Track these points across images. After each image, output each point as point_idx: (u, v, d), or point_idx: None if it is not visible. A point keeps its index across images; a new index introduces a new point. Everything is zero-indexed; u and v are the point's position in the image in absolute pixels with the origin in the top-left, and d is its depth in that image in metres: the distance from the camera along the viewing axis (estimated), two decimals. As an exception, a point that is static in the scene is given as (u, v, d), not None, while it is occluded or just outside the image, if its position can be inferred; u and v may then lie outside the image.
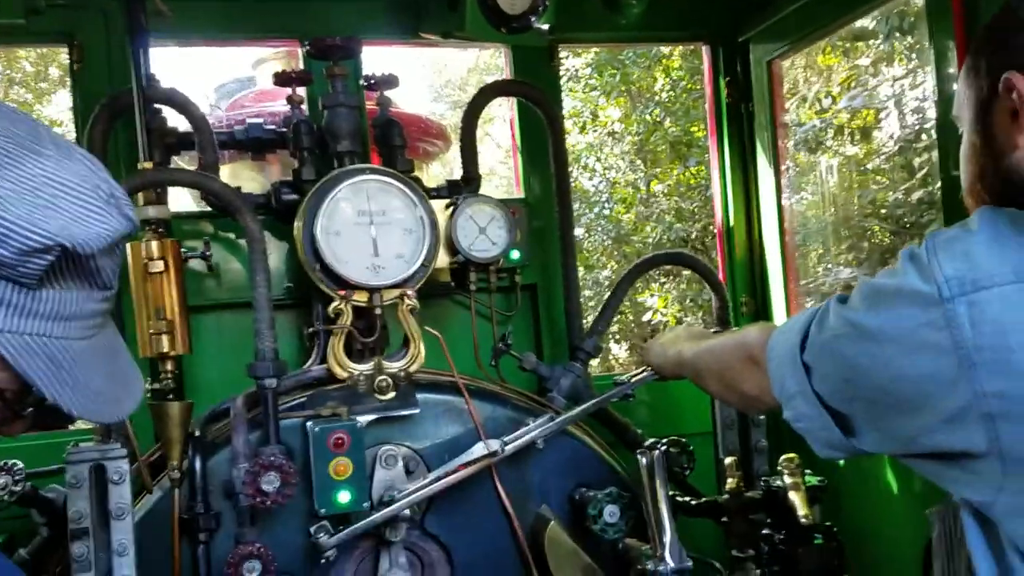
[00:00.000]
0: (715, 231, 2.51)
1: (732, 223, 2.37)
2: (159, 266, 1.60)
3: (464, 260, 1.85)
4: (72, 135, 1.91)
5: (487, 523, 1.73)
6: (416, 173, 1.89)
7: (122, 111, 1.78)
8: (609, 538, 1.65)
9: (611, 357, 7.91)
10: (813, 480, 1.73)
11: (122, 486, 1.42)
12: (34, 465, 1.73)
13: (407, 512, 1.62)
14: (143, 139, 1.65)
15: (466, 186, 1.96)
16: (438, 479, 1.63)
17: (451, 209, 1.85)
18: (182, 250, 1.71)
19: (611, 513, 1.64)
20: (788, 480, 1.63)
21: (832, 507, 1.92)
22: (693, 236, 7.45)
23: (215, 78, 3.77)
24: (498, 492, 1.73)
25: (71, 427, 2.38)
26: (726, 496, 1.77)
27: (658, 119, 7.84)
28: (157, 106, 1.78)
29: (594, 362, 3.02)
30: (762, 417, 1.91)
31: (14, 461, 1.72)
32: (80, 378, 0.80)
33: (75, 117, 1.93)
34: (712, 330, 1.83)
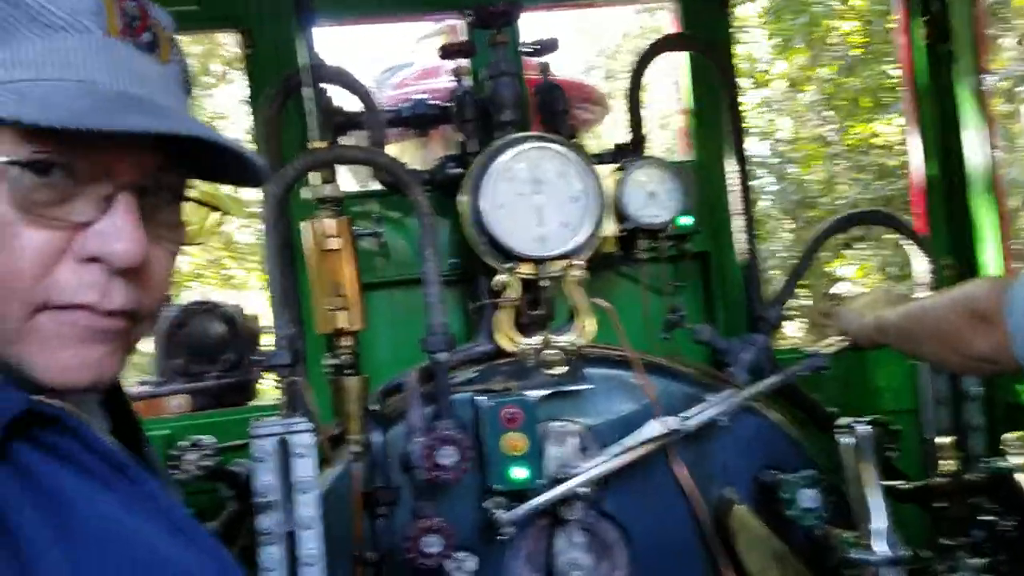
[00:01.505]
0: (911, 190, 2.28)
1: (932, 179, 2.14)
2: (335, 243, 1.62)
3: (632, 227, 1.76)
4: (246, 120, 1.96)
5: (666, 504, 1.65)
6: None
7: (291, 93, 1.81)
8: (806, 525, 1.52)
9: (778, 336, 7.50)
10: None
11: (306, 460, 1.43)
12: (222, 441, 1.82)
13: (583, 491, 1.57)
14: (314, 119, 1.67)
15: (632, 149, 1.86)
16: (615, 457, 1.56)
17: (618, 174, 1.76)
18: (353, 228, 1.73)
19: (809, 498, 1.50)
20: (1017, 460, 1.44)
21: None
22: (891, 196, 6.86)
23: (374, 66, 3.86)
24: (677, 472, 1.64)
25: (251, 403, 2.53)
26: (942, 479, 1.59)
27: (844, 66, 7.29)
28: (324, 87, 1.81)
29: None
30: (980, 389, 1.71)
31: (203, 437, 1.80)
32: (52, 100, 0.71)
33: (248, 101, 1.99)
34: (916, 295, 1.64)
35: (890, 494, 1.64)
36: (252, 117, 1.96)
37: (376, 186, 2.03)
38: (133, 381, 2.59)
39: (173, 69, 0.84)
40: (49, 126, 0.68)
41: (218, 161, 0.82)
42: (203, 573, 0.79)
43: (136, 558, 0.73)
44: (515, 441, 1.53)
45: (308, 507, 1.45)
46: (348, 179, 2.52)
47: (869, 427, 1.35)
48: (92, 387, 0.79)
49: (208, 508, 1.80)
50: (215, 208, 0.88)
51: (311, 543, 1.45)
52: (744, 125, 1.98)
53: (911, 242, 1.85)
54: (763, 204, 7.74)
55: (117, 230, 0.74)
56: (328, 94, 1.83)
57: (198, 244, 0.88)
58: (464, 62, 1.84)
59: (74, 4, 0.75)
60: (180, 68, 0.86)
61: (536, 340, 1.68)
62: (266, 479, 1.45)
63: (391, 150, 2.16)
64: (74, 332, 0.75)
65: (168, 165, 0.80)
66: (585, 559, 1.62)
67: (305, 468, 1.46)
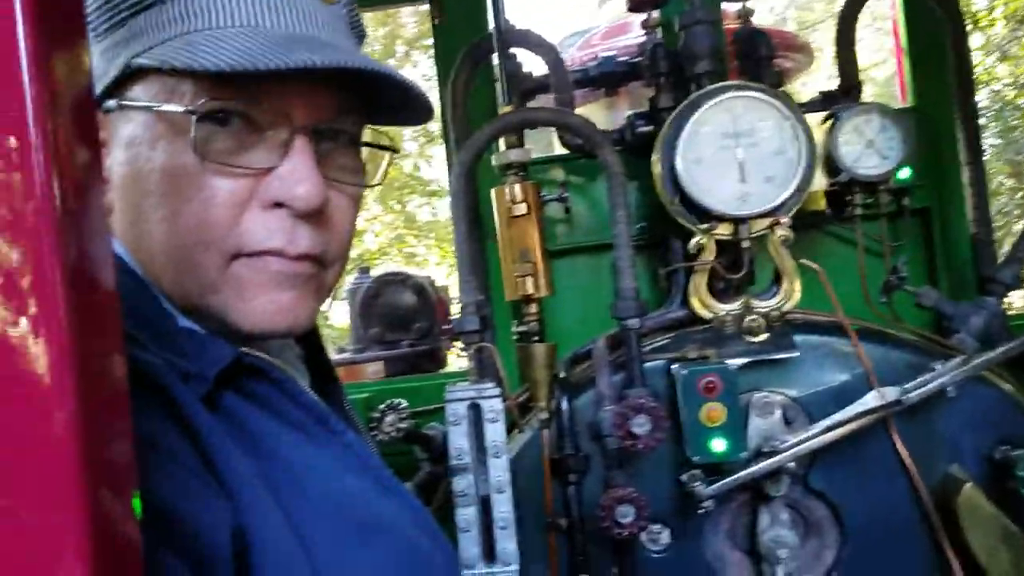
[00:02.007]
0: None
1: None
2: (522, 209, 1.60)
3: (846, 181, 1.60)
4: (435, 89, 1.98)
5: (883, 482, 1.50)
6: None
7: (480, 60, 1.80)
8: (1048, 508, 1.34)
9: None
10: None
11: (497, 424, 1.42)
12: (413, 406, 1.86)
13: (790, 466, 1.46)
14: (503, 83, 1.64)
15: (844, 96, 1.70)
16: (827, 430, 1.44)
17: (829, 123, 1.61)
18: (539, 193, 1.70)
19: (1054, 479, 1.32)
20: None
21: None
22: None
23: (556, 33, 3.83)
24: (897, 448, 1.49)
25: (447, 371, 2.60)
26: None
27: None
28: (511, 52, 1.78)
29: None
30: None
31: (399, 400, 1.85)
32: (223, 45, 0.71)
33: (437, 70, 2.00)
34: None
35: None
36: (439, 90, 1.98)
37: (559, 151, 2.00)
38: (333, 350, 2.73)
39: (338, 10, 0.83)
40: (219, 71, 0.68)
41: (384, 102, 0.81)
42: (399, 518, 0.79)
43: (339, 503, 0.74)
44: (714, 412, 1.45)
45: (500, 471, 1.44)
46: (536, 151, 2.50)
47: None
48: (288, 333, 0.81)
49: (405, 469, 1.85)
50: (389, 149, 0.87)
51: (503, 506, 1.44)
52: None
53: None
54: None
55: (297, 174, 0.75)
56: (517, 59, 1.81)
57: (375, 187, 0.88)
58: (655, 13, 1.74)
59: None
60: (347, 10, 0.85)
61: (735, 305, 1.58)
62: (460, 442, 1.46)
63: (578, 111, 2.12)
64: (267, 277, 0.77)
65: (341, 108, 0.79)
66: (791, 537, 1.51)
67: (496, 432, 1.45)
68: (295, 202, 0.75)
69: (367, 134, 0.85)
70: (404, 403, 1.81)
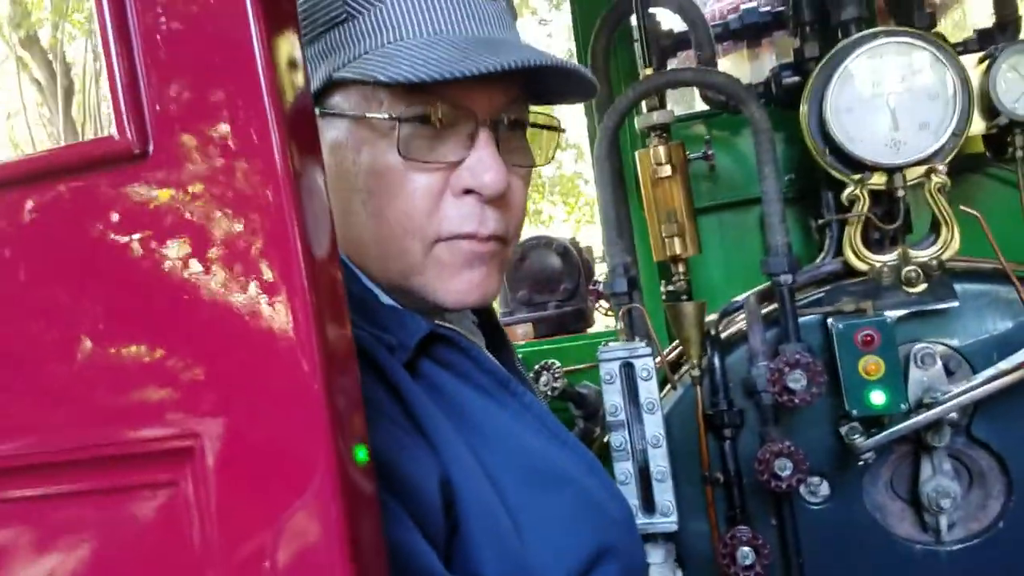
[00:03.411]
0: None
1: None
2: (667, 171, 1.62)
3: (1006, 122, 1.53)
4: (573, 55, 2.01)
5: (1053, 433, 1.45)
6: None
7: (619, 21, 1.82)
8: None
9: None
10: None
11: (650, 382, 1.47)
12: (566, 364, 1.93)
13: (952, 416, 1.44)
14: (644, 45, 1.66)
15: (1001, 33, 1.61)
16: (990, 380, 1.41)
17: (986, 63, 1.53)
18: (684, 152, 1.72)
19: None
20: None
21: None
22: None
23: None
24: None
25: (592, 331, 2.65)
26: None
27: None
28: (651, 11, 1.79)
29: None
30: None
31: (552, 361, 1.93)
32: (418, 55, 0.78)
33: (574, 33, 2.03)
34: None
35: None
36: (576, 52, 2.01)
37: (701, 107, 1.99)
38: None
39: (501, 3, 0.89)
40: (421, 81, 0.75)
41: (551, 82, 0.87)
42: (577, 470, 0.86)
43: (523, 457, 0.82)
44: (872, 365, 1.44)
45: (654, 426, 1.50)
46: (671, 104, 2.49)
47: None
48: (480, 305, 0.89)
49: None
50: (557, 130, 0.93)
51: (660, 460, 1.49)
52: None
53: None
54: None
55: (483, 163, 0.82)
56: (655, 18, 1.81)
57: (547, 164, 0.94)
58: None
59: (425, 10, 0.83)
60: (506, 1, 0.91)
61: (891, 256, 1.55)
62: (614, 399, 1.52)
63: (720, 65, 2.11)
64: (463, 259, 0.85)
65: (514, 97, 0.86)
66: (954, 487, 1.49)
67: (649, 390, 1.50)
68: (484, 189, 0.82)
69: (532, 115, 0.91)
70: (557, 363, 1.89)
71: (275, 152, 0.55)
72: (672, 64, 1.93)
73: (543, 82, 0.86)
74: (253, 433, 0.58)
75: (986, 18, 1.71)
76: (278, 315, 0.56)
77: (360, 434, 0.60)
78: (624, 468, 1.50)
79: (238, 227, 0.56)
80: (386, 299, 0.88)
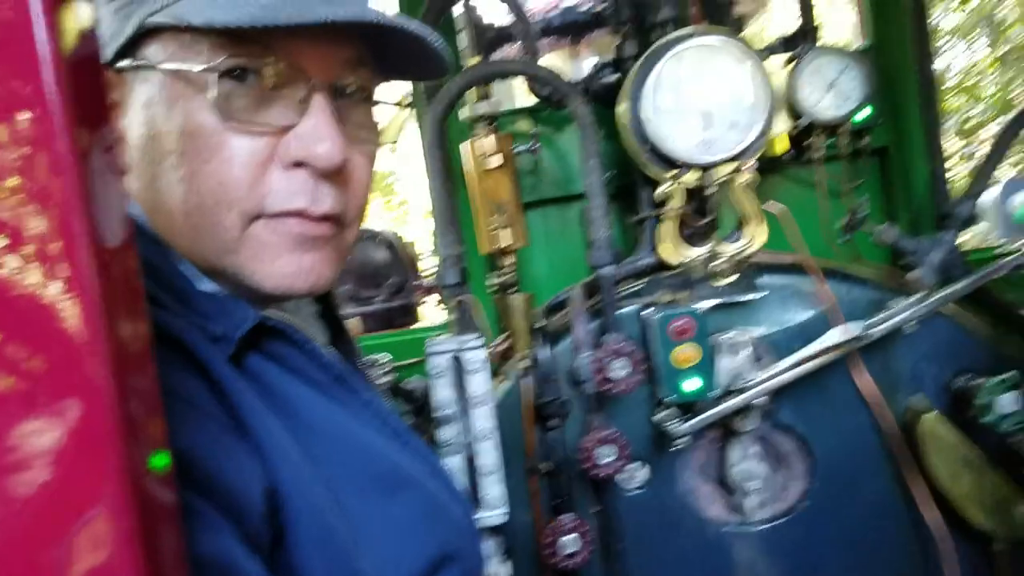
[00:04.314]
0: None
1: None
2: (496, 160, 1.62)
3: (807, 124, 1.64)
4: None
5: (849, 415, 1.58)
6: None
7: (443, 12, 1.79)
8: (1003, 431, 1.42)
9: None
10: None
11: (480, 375, 1.46)
12: (396, 359, 1.88)
13: (759, 402, 1.53)
14: (470, 35, 1.65)
15: (804, 39, 1.73)
16: (793, 367, 1.51)
17: (791, 65, 1.64)
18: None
19: (1008, 402, 1.40)
20: None
21: None
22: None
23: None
24: (861, 381, 1.56)
25: (420, 325, 2.63)
26: None
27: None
28: (473, 4, 1.78)
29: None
30: None
31: (381, 355, 1.88)
32: (242, 1, 0.70)
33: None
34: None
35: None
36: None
37: (526, 102, 2.01)
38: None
39: None
40: (239, 26, 0.67)
41: (399, 55, 0.81)
42: (419, 472, 0.82)
43: (362, 459, 0.77)
44: (686, 353, 1.50)
45: (484, 419, 1.49)
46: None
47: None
48: (309, 293, 0.81)
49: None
50: (405, 106, 0.87)
51: (489, 453, 1.49)
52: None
53: None
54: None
55: (317, 132, 0.74)
56: (477, 11, 1.80)
57: (392, 144, 0.88)
58: (616, -38, 1.75)
59: None
60: None
61: (703, 250, 1.62)
62: (444, 394, 1.50)
63: (541, 62, 2.13)
64: (289, 239, 0.77)
65: (356, 62, 0.79)
66: (760, 469, 1.59)
67: (479, 383, 1.49)
68: (317, 161, 0.75)
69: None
70: (386, 356, 1.84)
71: (55, 129, 0.48)
72: (496, 56, 1.93)
73: (389, 52, 0.80)
74: (37, 441, 0.51)
75: (789, 25, 1.83)
76: (60, 311, 0.49)
77: (158, 440, 0.55)
78: (454, 462, 1.48)
79: (8, 212, 0.49)
80: (205, 284, 0.79)
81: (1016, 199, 1.48)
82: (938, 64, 7.47)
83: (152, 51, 0.74)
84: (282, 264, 0.77)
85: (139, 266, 0.53)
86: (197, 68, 0.72)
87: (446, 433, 1.48)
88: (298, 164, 0.75)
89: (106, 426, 0.50)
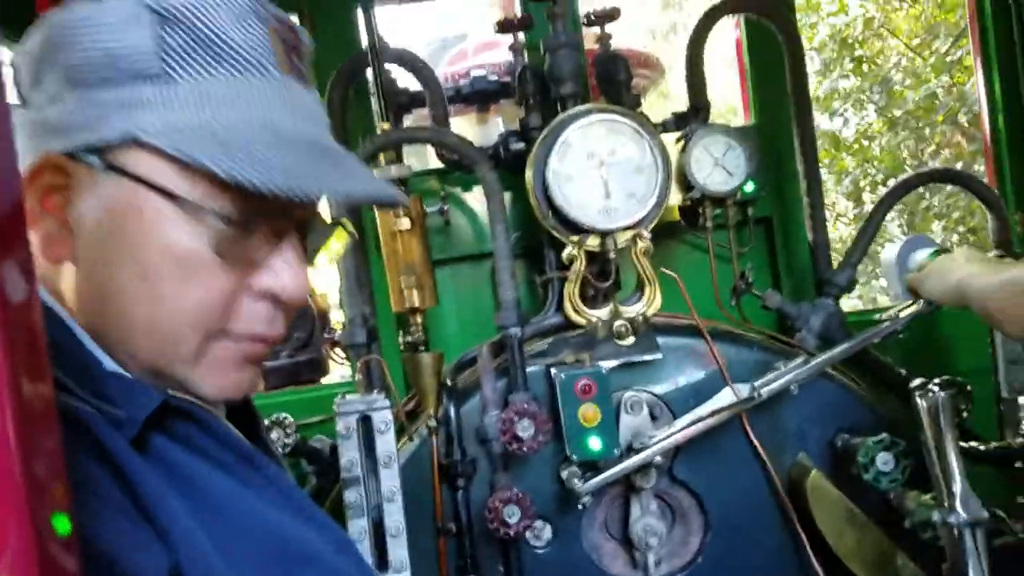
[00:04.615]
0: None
1: (1002, 135, 2.08)
2: (406, 223, 1.65)
3: (698, 196, 1.75)
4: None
5: (740, 472, 1.66)
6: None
7: (355, 74, 1.83)
8: (882, 488, 1.52)
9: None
10: None
11: (388, 435, 1.48)
12: (299, 418, 1.87)
13: (657, 459, 1.59)
14: (380, 101, 1.69)
15: (695, 116, 1.85)
16: (688, 425, 1.58)
17: (682, 142, 1.75)
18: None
19: (885, 461, 1.51)
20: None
21: None
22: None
23: (424, 39, 3.86)
24: (750, 439, 1.65)
25: (327, 381, 2.60)
26: (1021, 440, 1.58)
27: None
28: (387, 68, 1.83)
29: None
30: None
31: (284, 415, 1.86)
32: (259, 155, 0.72)
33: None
34: (993, 254, 1.62)
35: (966, 456, 1.64)
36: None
37: (437, 163, 2.06)
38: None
39: (315, 92, 0.85)
40: (270, 192, 0.70)
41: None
42: (324, 549, 0.83)
43: (266, 539, 0.78)
44: (590, 412, 1.56)
45: (391, 480, 1.50)
46: (407, 158, 2.55)
47: (947, 390, 1.34)
48: (239, 400, 0.86)
49: (292, 482, 1.86)
50: (348, 233, 0.93)
51: (394, 514, 1.50)
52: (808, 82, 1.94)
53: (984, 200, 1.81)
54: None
55: (289, 269, 0.79)
56: (390, 75, 1.85)
57: (334, 265, 0.93)
58: (521, 36, 1.84)
59: (252, 42, 0.76)
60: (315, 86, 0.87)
61: (604, 311, 1.69)
62: (351, 454, 1.50)
63: (452, 125, 2.20)
64: (241, 357, 0.81)
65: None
66: (660, 526, 1.64)
67: (386, 443, 1.51)
68: (285, 295, 0.79)
69: None
70: (289, 417, 1.83)
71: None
72: (408, 121, 1.99)
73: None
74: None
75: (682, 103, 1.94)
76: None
77: (62, 503, 0.55)
78: (359, 525, 1.48)
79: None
80: (110, 364, 0.79)
81: (915, 258, 1.59)
82: (834, 125, 7.98)
83: (133, 160, 0.74)
84: (231, 379, 0.81)
85: (43, 325, 0.54)
86: (210, 210, 0.74)
87: (352, 495, 1.49)
88: (265, 293, 0.79)
89: (10, 482, 0.50)
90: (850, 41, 7.67)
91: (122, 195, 0.75)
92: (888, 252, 1.68)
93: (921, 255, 1.58)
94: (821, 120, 8.00)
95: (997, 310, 1.20)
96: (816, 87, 7.99)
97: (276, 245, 0.79)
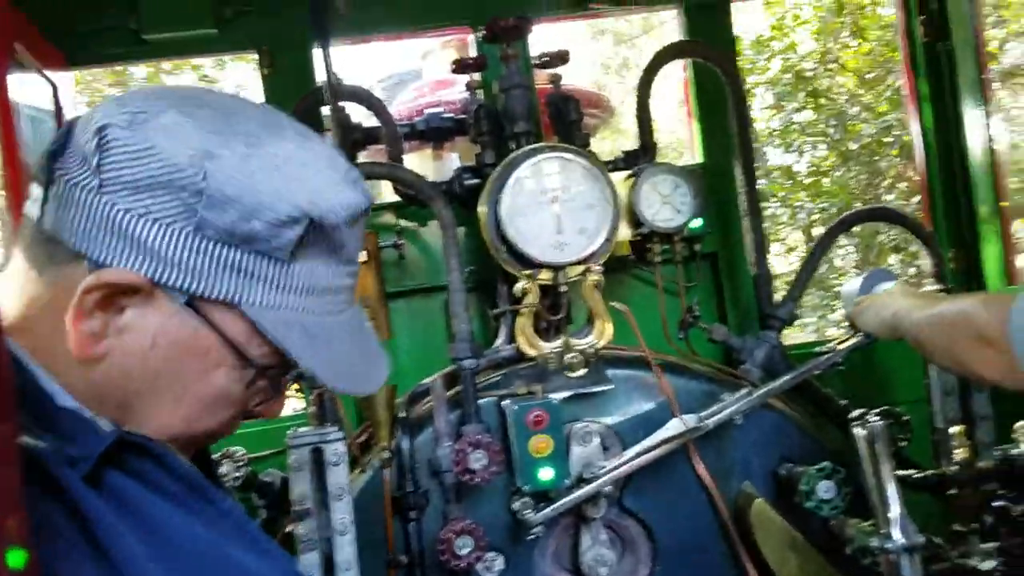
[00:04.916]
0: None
1: (935, 173, 2.19)
2: (362, 257, 1.67)
3: (647, 232, 1.81)
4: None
5: (687, 500, 1.70)
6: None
7: (310, 111, 1.86)
8: (823, 515, 1.57)
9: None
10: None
11: (340, 468, 1.48)
12: (251, 451, 1.86)
13: (607, 489, 1.62)
14: (336, 136, 1.72)
15: (643, 155, 1.91)
16: (637, 456, 1.61)
17: (631, 180, 1.81)
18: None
19: (826, 489, 1.56)
20: (1029, 449, 1.48)
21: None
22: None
23: (377, 73, 3.91)
24: (697, 469, 1.69)
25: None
26: (955, 468, 1.64)
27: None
28: (341, 104, 1.86)
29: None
30: (988, 381, 1.76)
31: (236, 448, 1.85)
32: (333, 351, 0.83)
33: (268, 121, 2.04)
34: (928, 287, 1.69)
35: (904, 483, 1.70)
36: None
37: (392, 197, 2.09)
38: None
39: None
40: (343, 392, 0.86)
41: None
42: None
43: (221, 571, 0.78)
44: (541, 443, 1.58)
45: (342, 513, 1.50)
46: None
47: (882, 420, 1.39)
48: None
49: (242, 518, 1.84)
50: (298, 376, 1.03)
51: (346, 548, 1.50)
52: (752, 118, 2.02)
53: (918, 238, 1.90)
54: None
55: (279, 402, 0.92)
56: (345, 111, 1.88)
57: None
58: (476, 75, 1.88)
59: (354, 245, 0.86)
60: None
61: (556, 344, 1.73)
62: (302, 487, 1.50)
63: (407, 160, 2.23)
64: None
65: None
66: (610, 555, 1.67)
67: (338, 476, 1.51)
68: (266, 417, 0.92)
69: None
70: (241, 450, 1.82)
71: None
72: (363, 156, 2.01)
73: None
74: None
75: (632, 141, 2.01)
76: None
77: (17, 537, 0.56)
78: (310, 559, 1.48)
79: None
80: (64, 399, 0.80)
81: (877, 292, 1.65)
82: (789, 159, 8.16)
83: (220, 314, 0.80)
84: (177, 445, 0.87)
85: (10, 368, 0.55)
86: (259, 363, 0.83)
87: (303, 528, 1.48)
88: (251, 414, 0.91)
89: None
90: (805, 75, 7.90)
91: (189, 333, 0.80)
92: (849, 286, 1.74)
93: (883, 288, 1.64)
94: (775, 154, 8.22)
95: (927, 342, 1.26)
96: (769, 120, 8.21)
97: (279, 382, 0.89)
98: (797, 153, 8.19)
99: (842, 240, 7.39)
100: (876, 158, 7.55)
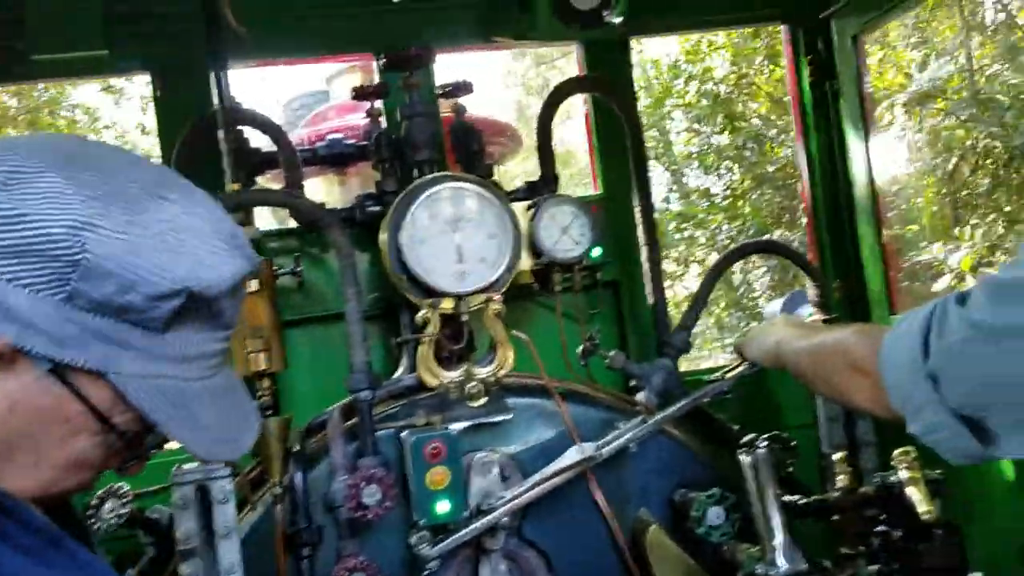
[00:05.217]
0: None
1: (821, 206, 2.29)
2: (254, 286, 1.63)
3: (547, 261, 1.82)
4: (157, 162, 1.95)
5: (585, 528, 1.71)
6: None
7: (205, 134, 1.81)
8: (714, 541, 1.60)
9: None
10: (931, 474, 1.64)
11: (227, 505, 1.44)
12: (137, 487, 1.78)
13: (505, 520, 1.61)
14: (229, 161, 1.68)
15: (545, 186, 1.93)
16: (535, 485, 1.61)
17: (532, 210, 1.82)
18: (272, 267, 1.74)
19: (716, 515, 1.59)
20: (906, 475, 1.54)
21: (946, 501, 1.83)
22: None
23: (284, 94, 3.84)
24: (595, 496, 1.70)
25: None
26: (837, 493, 1.69)
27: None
28: (239, 128, 1.81)
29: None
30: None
31: (120, 484, 1.76)
32: (200, 419, 0.82)
33: (160, 143, 1.98)
34: (811, 317, 1.76)
35: (790, 508, 1.75)
36: (162, 163, 1.94)
37: (292, 223, 2.05)
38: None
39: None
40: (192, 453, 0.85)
41: None
42: None
43: None
44: (439, 475, 1.57)
45: (230, 552, 1.45)
46: (265, 216, 2.52)
47: (766, 447, 1.43)
48: None
49: (127, 555, 1.76)
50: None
51: (234, 587, 1.44)
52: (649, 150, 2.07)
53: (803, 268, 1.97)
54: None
55: (139, 466, 0.88)
56: (244, 135, 1.84)
57: None
58: (378, 103, 1.87)
59: (232, 312, 0.85)
60: None
61: (458, 373, 1.72)
62: (188, 525, 1.44)
63: (308, 185, 2.19)
64: None
65: None
66: (510, 587, 1.66)
67: (226, 514, 1.46)
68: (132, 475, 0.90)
69: None
70: (125, 486, 1.73)
71: None
72: (262, 181, 1.97)
73: None
74: None
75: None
76: None
77: None
78: (195, 600, 1.42)
79: None
80: None
81: (799, 313, 1.69)
82: (706, 182, 8.34)
83: (86, 382, 0.78)
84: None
85: None
86: (123, 429, 0.81)
87: (188, 568, 1.43)
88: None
89: None
90: (721, 98, 8.13)
91: (51, 400, 0.78)
92: (771, 307, 1.79)
93: (804, 310, 1.68)
94: (694, 176, 8.42)
95: (807, 371, 1.30)
96: (687, 142, 8.43)
97: (141, 446, 0.86)
98: (715, 175, 8.42)
99: (758, 262, 7.64)
100: (792, 181, 7.80)
